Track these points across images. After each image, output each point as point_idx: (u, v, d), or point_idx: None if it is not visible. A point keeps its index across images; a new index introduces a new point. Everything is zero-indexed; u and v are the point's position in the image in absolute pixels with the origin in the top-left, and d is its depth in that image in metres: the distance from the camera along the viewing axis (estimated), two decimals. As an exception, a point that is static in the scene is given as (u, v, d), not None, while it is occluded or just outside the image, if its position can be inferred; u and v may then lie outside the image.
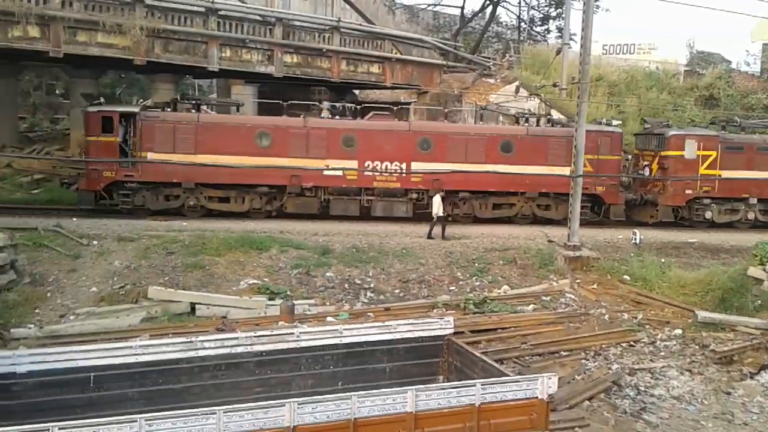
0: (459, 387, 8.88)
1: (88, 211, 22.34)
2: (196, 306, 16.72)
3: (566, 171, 22.66)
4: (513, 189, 24.28)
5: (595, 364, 15.13)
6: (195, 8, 24.36)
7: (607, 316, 17.87)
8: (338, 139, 23.10)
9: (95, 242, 18.97)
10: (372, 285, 18.65)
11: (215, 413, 7.44)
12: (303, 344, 10.88)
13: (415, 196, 23.82)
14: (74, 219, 21.06)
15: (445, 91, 32.27)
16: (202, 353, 10.23)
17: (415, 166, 23.41)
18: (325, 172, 22.77)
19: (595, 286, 19.61)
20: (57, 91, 38.05)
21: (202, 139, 22.03)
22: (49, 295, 16.57)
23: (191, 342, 10.33)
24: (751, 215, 25.90)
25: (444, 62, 33.01)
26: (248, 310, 16.69)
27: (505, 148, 24.02)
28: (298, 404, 7.85)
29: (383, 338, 11.33)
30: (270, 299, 17.18)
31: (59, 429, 6.87)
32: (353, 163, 23.07)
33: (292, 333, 11.15)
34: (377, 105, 29.02)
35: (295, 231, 21.25)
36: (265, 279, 18.11)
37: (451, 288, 18.94)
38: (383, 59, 29.29)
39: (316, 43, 27.28)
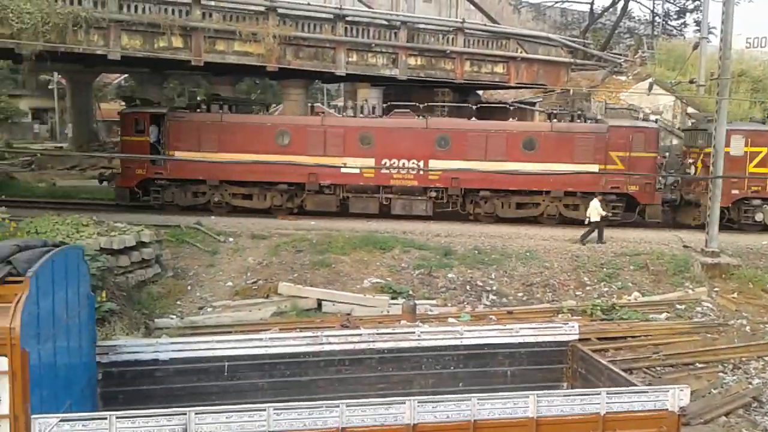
0: (583, 395, 8.64)
1: (125, 206, 23.63)
2: (323, 302, 17.31)
3: (594, 168, 21.94)
4: (536, 188, 23.28)
5: (734, 378, 14.20)
6: (324, 15, 25.19)
7: (748, 327, 16.70)
8: (355, 137, 23.16)
9: (231, 239, 20.09)
10: (494, 287, 18.49)
11: (338, 406, 7.69)
12: (424, 344, 10.99)
13: (434, 194, 23.43)
14: (212, 217, 22.41)
15: (572, 90, 31.36)
16: (327, 348, 10.58)
17: (433, 164, 22.95)
18: (343, 170, 22.88)
19: (735, 295, 18.36)
20: (198, 98, 40.51)
21: (225, 137, 22.90)
22: (189, 288, 17.73)
23: (317, 336, 10.72)
24: None
25: (571, 60, 32.06)
26: (371, 308, 17.07)
27: (527, 145, 23.18)
28: (419, 402, 7.95)
29: (505, 341, 11.22)
30: (392, 298, 17.48)
31: (196, 414, 7.36)
32: (370, 161, 23.07)
33: (414, 332, 11.29)
34: (500, 105, 28.71)
35: (417, 232, 21.45)
36: (388, 278, 18.43)
37: (577, 293, 18.41)
38: (508, 59, 28.88)
39: (440, 44, 27.37)
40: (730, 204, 23.21)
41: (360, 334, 10.97)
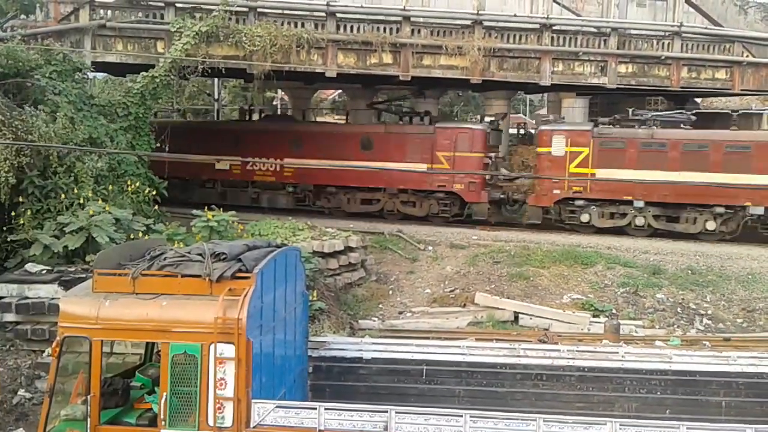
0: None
1: None
2: (519, 315, 17.13)
3: (422, 167, 23.41)
4: (373, 185, 24.70)
5: None
6: (530, 25, 24.98)
7: None
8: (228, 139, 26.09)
9: (430, 248, 20.62)
10: (709, 311, 17.07)
11: (535, 420, 7.59)
12: (628, 365, 10.46)
13: (291, 189, 26.01)
14: (414, 226, 23.16)
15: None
16: (524, 361, 10.47)
17: (289, 162, 25.09)
18: (217, 167, 25.58)
19: None
20: (404, 110, 42.17)
21: None
22: (390, 292, 18.49)
23: (514, 348, 10.66)
24: (640, 220, 22.14)
25: (812, 62, 28.60)
26: (570, 324, 16.58)
27: (365, 145, 24.54)
28: (621, 425, 7.60)
29: (720, 369, 10.33)
30: (594, 316, 16.83)
31: (396, 413, 7.68)
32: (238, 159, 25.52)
33: (617, 352, 10.80)
34: (721, 112, 26.45)
35: (623, 248, 20.43)
36: (590, 295, 17.77)
37: (809, 323, 16.43)
38: (731, 63, 26.48)
39: (654, 50, 25.86)
40: (551, 204, 23.13)
41: (559, 350, 10.73)
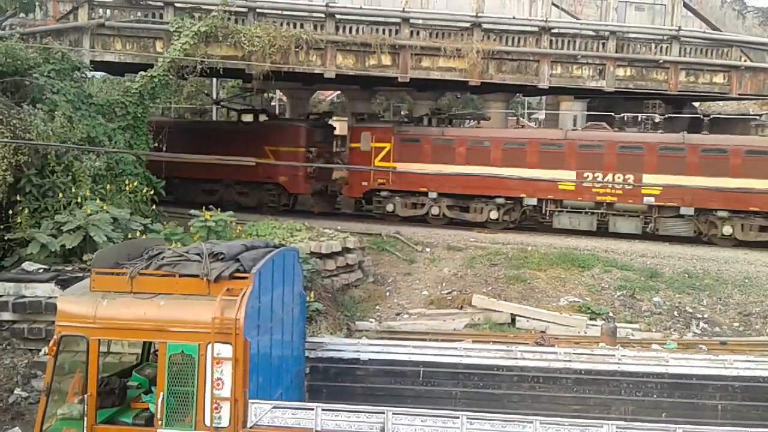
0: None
1: None
2: (516, 318, 17.16)
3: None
4: (213, 177, 26.86)
5: None
6: (529, 28, 25.03)
7: None
8: None
9: (428, 249, 20.64)
10: (706, 315, 17.12)
11: (531, 422, 7.60)
12: (624, 368, 10.45)
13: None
14: (412, 228, 23.18)
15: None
16: (521, 363, 10.46)
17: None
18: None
19: None
20: (402, 112, 42.08)
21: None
22: (387, 294, 18.51)
23: (511, 351, 10.66)
24: (435, 210, 24.54)
25: (807, 68, 28.68)
26: (567, 327, 16.60)
27: (213, 140, 26.41)
28: (617, 428, 7.61)
29: (716, 373, 10.33)
30: (591, 319, 16.85)
31: (393, 414, 7.68)
32: None
33: (613, 355, 10.81)
34: (720, 118, 26.50)
35: (620, 251, 20.47)
36: (587, 298, 17.80)
37: (806, 327, 16.47)
38: (729, 68, 26.57)
39: (652, 54, 25.92)
40: (360, 195, 25.72)
41: (556, 352, 10.73)
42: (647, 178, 22.22)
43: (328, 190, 27.84)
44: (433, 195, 24.51)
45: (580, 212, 23.18)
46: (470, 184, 23.63)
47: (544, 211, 23.71)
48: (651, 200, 22.43)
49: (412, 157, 24.58)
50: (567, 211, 23.30)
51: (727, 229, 21.94)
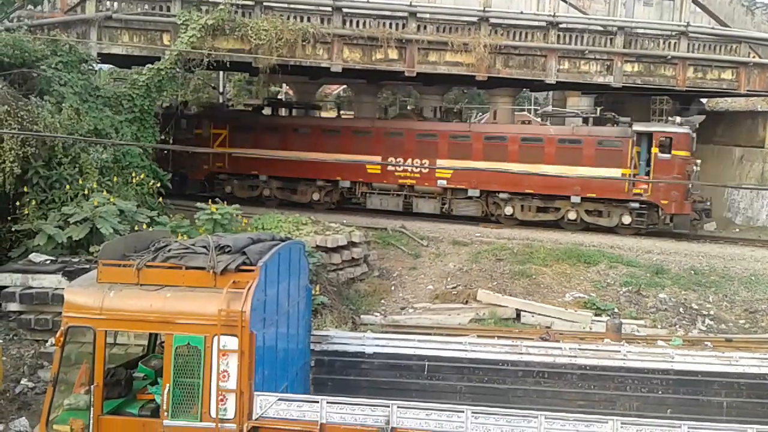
0: (815, 437, 7.71)
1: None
2: (522, 313, 17.14)
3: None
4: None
5: None
6: (537, 23, 24.93)
7: None
8: None
9: (433, 244, 20.62)
10: (711, 312, 17.08)
11: (536, 417, 7.60)
12: (630, 364, 10.44)
13: None
14: (417, 222, 23.17)
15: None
16: (526, 358, 10.45)
17: None
18: None
19: None
20: (408, 107, 42.06)
21: None
22: (392, 288, 18.51)
23: (516, 346, 10.66)
24: (267, 192, 26.52)
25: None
26: (572, 323, 16.59)
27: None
28: (622, 423, 7.61)
29: (722, 370, 10.31)
30: (596, 315, 16.83)
31: (398, 407, 7.69)
32: None
33: (619, 351, 10.79)
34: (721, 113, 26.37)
35: (626, 247, 20.43)
36: (592, 294, 17.77)
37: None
38: (737, 64, 26.43)
39: (660, 50, 25.80)
40: (203, 178, 27.36)
41: (561, 348, 10.72)
42: (440, 163, 24.27)
43: (180, 174, 28.52)
44: (263, 178, 26.38)
45: (388, 194, 25.15)
46: (294, 167, 25.21)
47: (357, 193, 25.71)
48: (443, 183, 24.42)
49: (245, 143, 26.46)
50: (377, 193, 25.28)
51: (508, 210, 23.97)
